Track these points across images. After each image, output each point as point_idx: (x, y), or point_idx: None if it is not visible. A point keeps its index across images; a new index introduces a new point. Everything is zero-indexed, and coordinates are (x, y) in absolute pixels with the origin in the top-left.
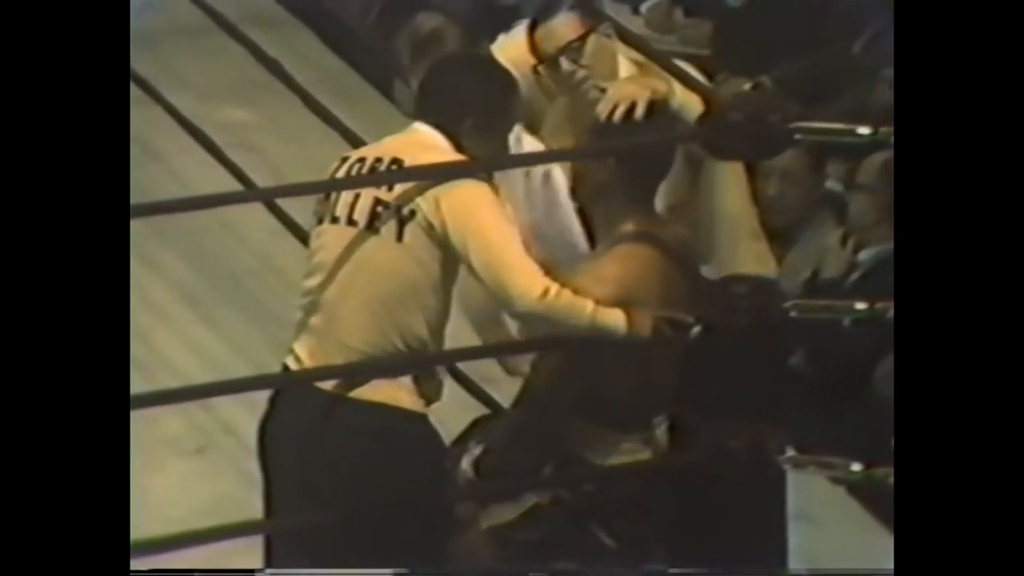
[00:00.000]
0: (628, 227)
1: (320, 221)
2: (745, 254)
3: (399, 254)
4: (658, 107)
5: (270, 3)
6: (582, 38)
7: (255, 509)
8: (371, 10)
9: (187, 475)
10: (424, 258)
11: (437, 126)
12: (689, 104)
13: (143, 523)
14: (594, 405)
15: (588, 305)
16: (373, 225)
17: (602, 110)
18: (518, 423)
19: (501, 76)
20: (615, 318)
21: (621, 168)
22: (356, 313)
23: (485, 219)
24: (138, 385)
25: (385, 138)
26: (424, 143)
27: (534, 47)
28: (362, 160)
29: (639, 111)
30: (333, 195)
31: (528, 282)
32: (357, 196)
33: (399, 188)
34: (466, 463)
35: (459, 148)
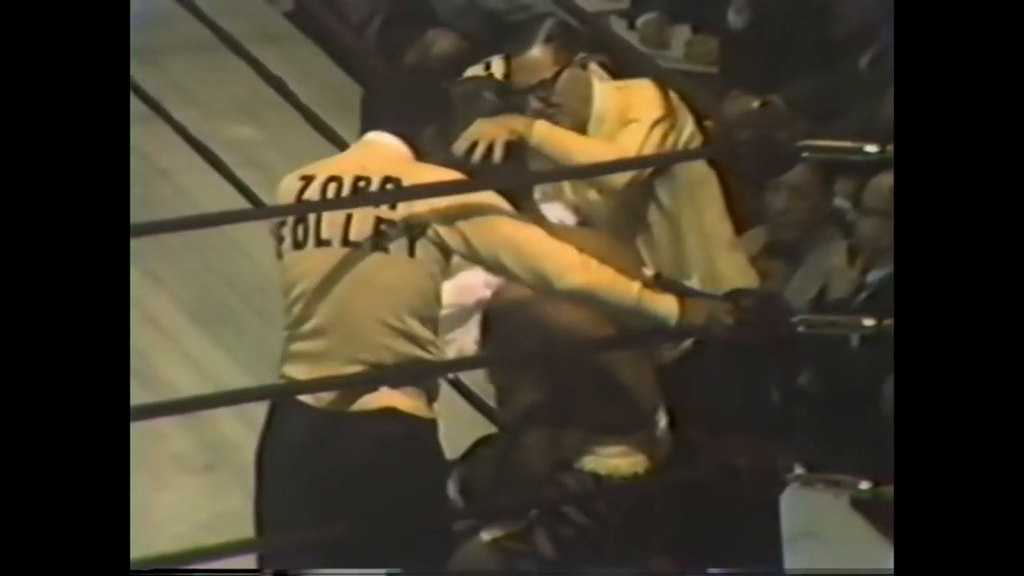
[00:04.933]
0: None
1: (299, 246)
2: (725, 267)
3: (412, 269)
4: (515, 146)
5: (277, 19)
6: (556, 75)
7: None
8: (371, 24)
9: (195, 492)
10: (435, 270)
11: (400, 135)
12: (548, 140)
13: (151, 539)
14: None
15: (634, 287)
16: (379, 244)
17: (458, 147)
18: (500, 453)
19: (452, 84)
20: (667, 304)
21: None
22: (365, 330)
23: (505, 223)
24: (141, 401)
25: (338, 155)
26: (399, 156)
27: (509, 77)
28: (337, 179)
29: (497, 153)
30: (308, 219)
31: (564, 258)
32: (349, 217)
33: (403, 206)
34: (452, 489)
35: (419, 156)
